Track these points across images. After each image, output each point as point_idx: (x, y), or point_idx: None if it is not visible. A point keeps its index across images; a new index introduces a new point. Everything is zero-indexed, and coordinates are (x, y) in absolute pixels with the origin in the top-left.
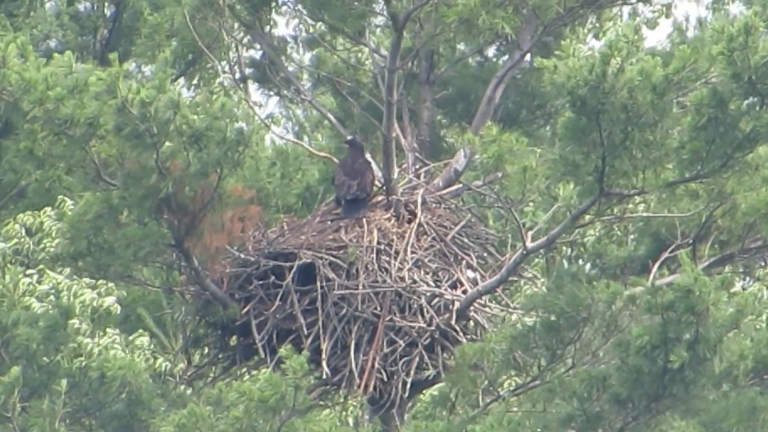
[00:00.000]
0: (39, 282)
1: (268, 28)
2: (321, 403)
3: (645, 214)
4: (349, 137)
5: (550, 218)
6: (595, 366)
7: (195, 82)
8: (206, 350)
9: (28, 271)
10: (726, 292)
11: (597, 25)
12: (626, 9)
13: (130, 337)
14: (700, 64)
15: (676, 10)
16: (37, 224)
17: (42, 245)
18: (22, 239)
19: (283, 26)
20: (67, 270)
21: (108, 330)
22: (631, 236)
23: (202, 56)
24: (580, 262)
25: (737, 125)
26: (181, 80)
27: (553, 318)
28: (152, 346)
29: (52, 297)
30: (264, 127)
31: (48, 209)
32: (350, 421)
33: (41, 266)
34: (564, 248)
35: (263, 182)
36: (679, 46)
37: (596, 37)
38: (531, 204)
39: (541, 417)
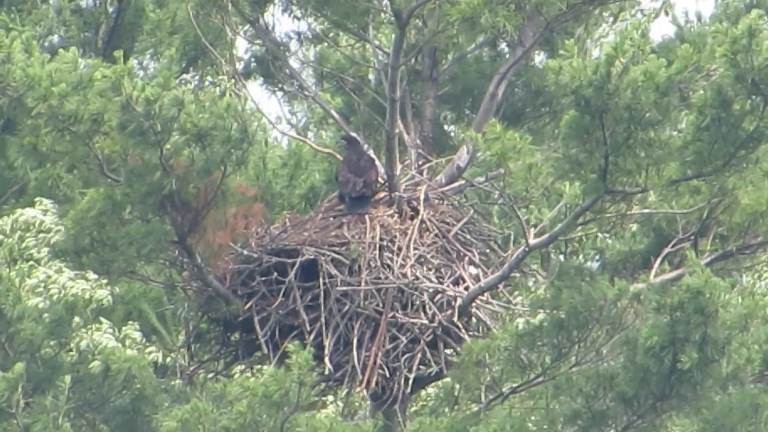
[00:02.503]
0: (28, 275)
1: (271, 24)
2: (323, 399)
3: (646, 211)
4: (345, 134)
5: (556, 215)
6: (598, 364)
7: (190, 78)
8: (209, 346)
9: (18, 266)
10: (736, 295)
11: (610, 22)
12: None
13: (123, 330)
14: (702, 62)
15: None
16: (23, 222)
17: (25, 242)
18: (9, 239)
19: (286, 22)
20: (57, 264)
21: (101, 322)
22: (629, 232)
23: (205, 53)
24: (582, 258)
25: (740, 125)
26: (183, 77)
27: (562, 315)
28: (144, 341)
29: (41, 288)
30: (267, 125)
31: (29, 209)
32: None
33: (30, 263)
34: (565, 244)
35: (270, 182)
36: (681, 44)
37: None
38: (535, 201)
39: (546, 414)
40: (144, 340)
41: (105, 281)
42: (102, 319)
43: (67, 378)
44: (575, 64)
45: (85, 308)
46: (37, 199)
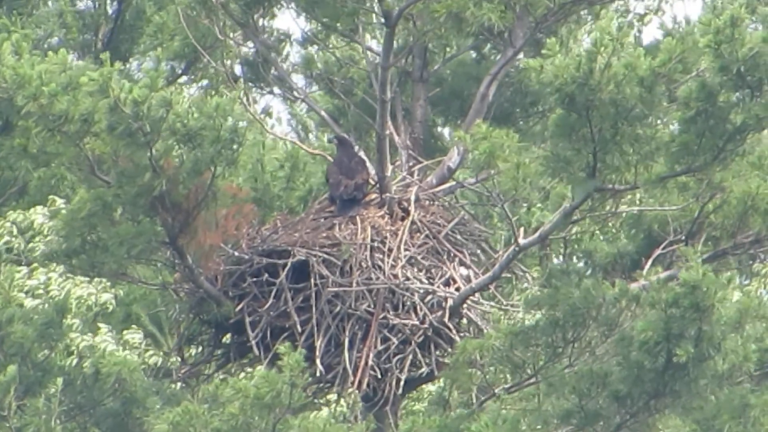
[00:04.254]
0: (29, 278)
1: (261, 26)
2: (315, 401)
3: (637, 209)
4: (336, 134)
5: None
6: (593, 364)
7: (187, 80)
8: (200, 348)
9: (19, 268)
10: (732, 291)
11: (592, 23)
12: (619, 6)
13: (123, 335)
14: (687, 56)
15: (669, 6)
16: (28, 223)
17: (32, 243)
18: (15, 238)
19: (276, 24)
20: (60, 268)
21: (101, 326)
22: (619, 233)
23: (199, 56)
24: (574, 259)
25: (727, 118)
26: (183, 79)
27: (558, 315)
28: (144, 344)
29: (41, 291)
30: (261, 127)
31: (39, 207)
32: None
33: (34, 265)
34: (565, 245)
35: (268, 184)
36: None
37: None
38: (538, 204)
39: (539, 414)
40: (144, 343)
41: (109, 285)
42: (100, 324)
43: (59, 381)
44: (557, 62)
45: (87, 312)
46: (50, 197)
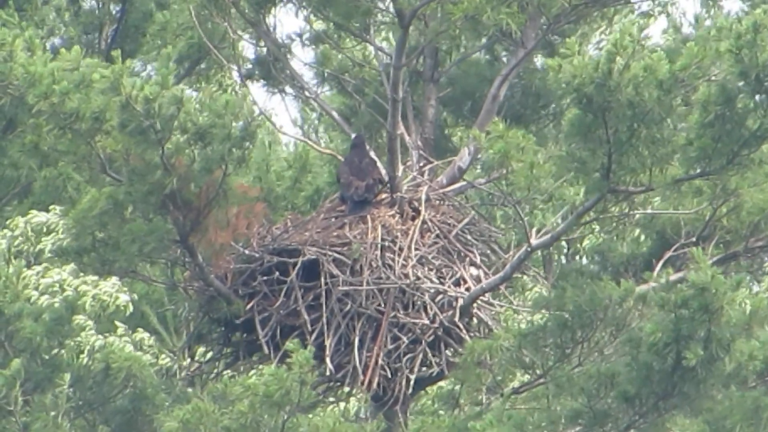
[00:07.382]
0: (42, 276)
1: (272, 25)
2: (325, 399)
3: (650, 211)
4: (354, 134)
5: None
6: (601, 364)
7: (197, 80)
8: (210, 346)
9: (33, 267)
10: (742, 292)
11: (604, 26)
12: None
13: (134, 335)
14: (706, 61)
15: (674, 8)
16: (38, 225)
17: (42, 244)
18: (26, 240)
19: (287, 23)
20: (71, 266)
21: (117, 324)
22: (630, 236)
23: (208, 55)
24: (584, 260)
25: (744, 123)
26: (188, 79)
27: (566, 316)
28: (155, 344)
29: (56, 289)
30: (269, 126)
31: (43, 213)
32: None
33: (45, 264)
34: (564, 245)
35: (273, 183)
36: (685, 43)
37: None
38: (540, 205)
39: (548, 413)
40: (154, 340)
41: (126, 289)
42: (117, 323)
43: (67, 376)
44: (576, 61)
45: (102, 311)
46: (51, 207)
